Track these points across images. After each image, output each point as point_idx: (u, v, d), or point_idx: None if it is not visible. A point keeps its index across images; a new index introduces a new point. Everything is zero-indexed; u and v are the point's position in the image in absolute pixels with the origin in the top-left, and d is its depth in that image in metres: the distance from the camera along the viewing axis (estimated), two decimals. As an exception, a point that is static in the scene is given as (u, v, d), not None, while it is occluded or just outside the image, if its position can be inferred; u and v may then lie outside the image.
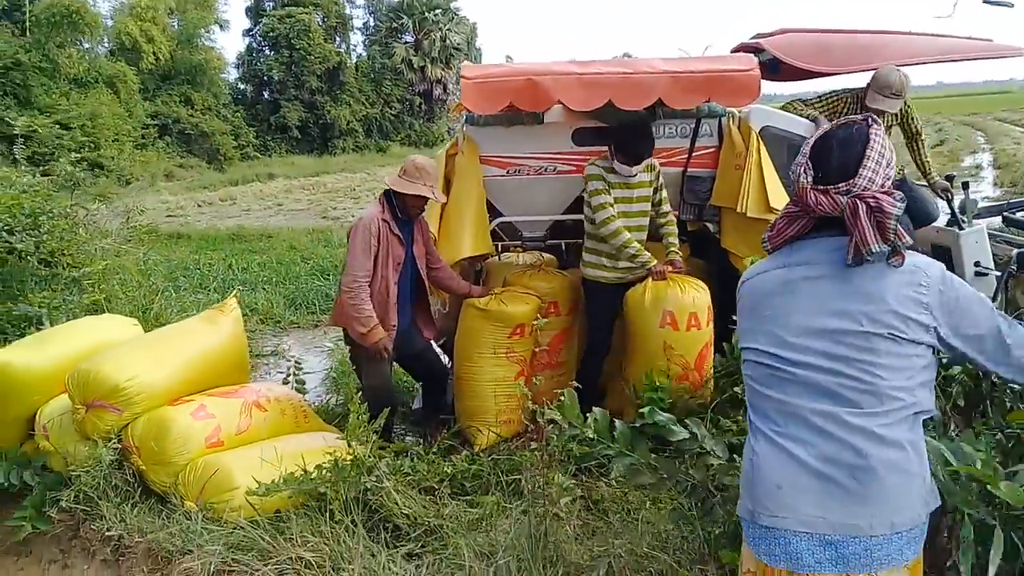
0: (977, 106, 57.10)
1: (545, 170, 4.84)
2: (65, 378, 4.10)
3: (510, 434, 4.65)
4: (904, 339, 1.86)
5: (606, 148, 4.65)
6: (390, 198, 4.46)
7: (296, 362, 5.45)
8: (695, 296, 4.36)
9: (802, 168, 1.99)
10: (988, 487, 2.00)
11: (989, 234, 6.06)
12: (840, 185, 1.91)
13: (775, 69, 5.33)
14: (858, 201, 1.88)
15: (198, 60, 36.43)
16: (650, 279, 4.40)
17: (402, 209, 4.42)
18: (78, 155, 23.46)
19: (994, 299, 4.81)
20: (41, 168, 10.76)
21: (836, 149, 1.96)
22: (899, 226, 1.86)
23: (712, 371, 4.29)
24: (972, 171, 20.17)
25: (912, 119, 5.23)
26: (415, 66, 44.67)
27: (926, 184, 5.63)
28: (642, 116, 4.55)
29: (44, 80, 26.23)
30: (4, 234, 6.15)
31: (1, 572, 3.83)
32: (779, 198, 4.43)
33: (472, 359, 4.60)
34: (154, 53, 33.80)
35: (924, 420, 1.95)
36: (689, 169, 4.83)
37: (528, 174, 4.86)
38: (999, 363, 1.97)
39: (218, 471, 3.82)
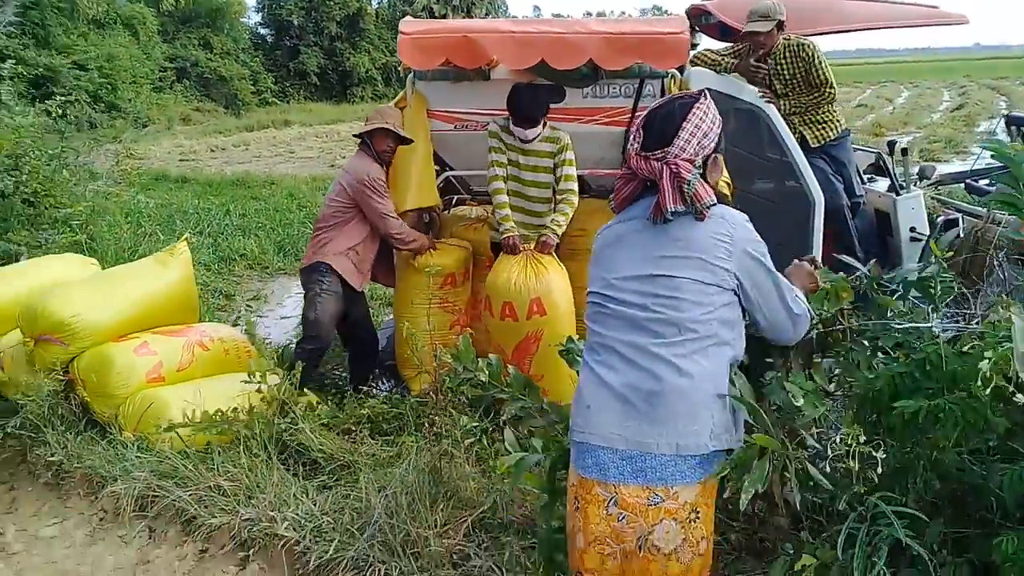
0: (1008, 70, 55.92)
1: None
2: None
3: None
4: (705, 282, 2.11)
5: (553, 105, 4.77)
6: (369, 148, 4.67)
7: (247, 306, 5.66)
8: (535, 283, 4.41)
9: (633, 136, 2.24)
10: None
11: (942, 201, 6.15)
12: (657, 152, 2.17)
13: (725, 31, 5.40)
14: (664, 166, 2.14)
15: (219, 3, 36.35)
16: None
17: (377, 157, 4.63)
18: (94, 96, 23.72)
19: (920, 261, 4.94)
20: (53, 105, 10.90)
21: (659, 120, 2.21)
22: (697, 188, 2.11)
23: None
24: (985, 136, 19.97)
25: (816, 68, 5.06)
26: (436, 14, 44.24)
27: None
28: (537, 80, 4.61)
29: (63, 20, 26.27)
30: (-16, 173, 6.37)
31: (-47, 494, 4.10)
32: (709, 160, 4.53)
33: (408, 309, 4.77)
34: (174, -6, 33.78)
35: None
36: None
37: (475, 129, 4.97)
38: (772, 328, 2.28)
39: (154, 404, 4.05)
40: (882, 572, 2.18)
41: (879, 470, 2.22)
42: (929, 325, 2.47)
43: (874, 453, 2.14)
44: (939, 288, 2.51)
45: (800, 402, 2.23)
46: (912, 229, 5.12)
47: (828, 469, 2.39)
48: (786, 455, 2.16)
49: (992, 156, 2.43)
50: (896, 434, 2.25)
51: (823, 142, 5.10)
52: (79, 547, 3.57)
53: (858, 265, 2.76)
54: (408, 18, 4.72)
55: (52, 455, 4.02)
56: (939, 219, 5.04)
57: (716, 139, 2.24)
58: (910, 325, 2.48)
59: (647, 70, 4.76)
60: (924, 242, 4.99)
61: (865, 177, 5.86)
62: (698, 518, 2.11)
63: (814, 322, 2.47)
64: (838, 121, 5.15)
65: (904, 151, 5.46)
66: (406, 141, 4.67)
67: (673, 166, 2.12)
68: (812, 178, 4.81)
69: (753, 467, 2.10)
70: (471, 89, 4.91)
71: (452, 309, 4.77)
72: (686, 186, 2.11)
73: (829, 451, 2.36)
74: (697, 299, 2.11)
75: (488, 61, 4.52)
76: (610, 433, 2.12)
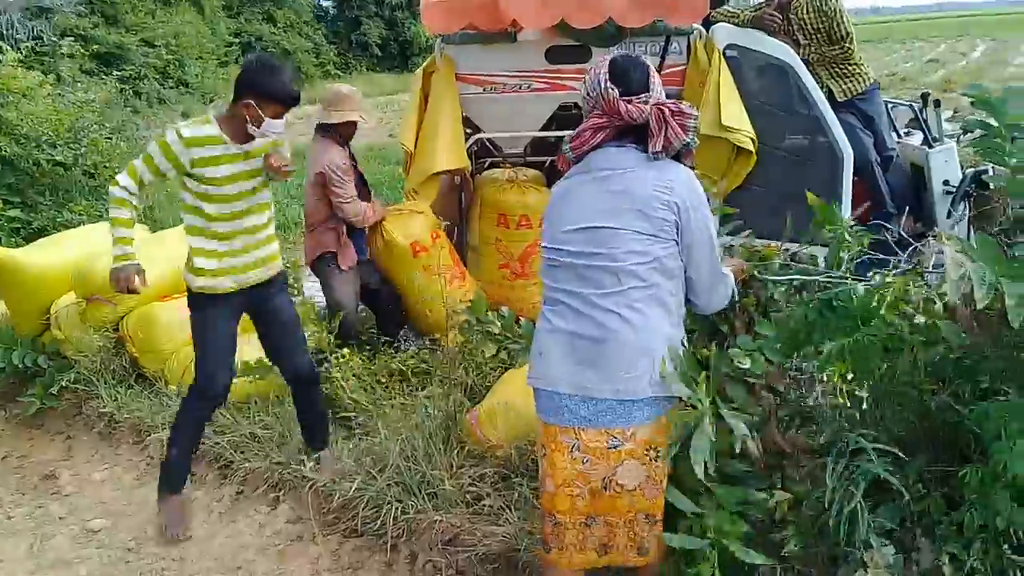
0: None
1: (520, 87, 5.03)
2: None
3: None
4: (643, 232, 2.20)
5: (580, 66, 4.84)
6: (333, 133, 4.61)
7: (289, 268, 5.85)
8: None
9: (606, 85, 2.31)
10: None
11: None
12: (642, 96, 2.28)
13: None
14: (663, 108, 2.26)
15: (282, -24, 36.78)
16: None
17: (343, 139, 4.63)
18: (163, 72, 24.28)
19: (949, 216, 4.89)
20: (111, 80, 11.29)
21: (632, 69, 2.32)
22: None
23: None
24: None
25: (838, 23, 5.03)
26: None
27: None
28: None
29: (130, -1, 26.96)
30: (46, 147, 6.70)
31: (16, 443, 4.42)
32: (732, 116, 4.55)
33: (398, 285, 4.87)
34: (238, -30, 34.26)
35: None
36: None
37: (504, 91, 5.06)
38: (690, 287, 2.36)
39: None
40: (860, 505, 2.28)
41: (861, 407, 2.30)
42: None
43: (857, 392, 2.21)
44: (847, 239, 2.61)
45: (747, 363, 2.32)
46: (945, 182, 5.06)
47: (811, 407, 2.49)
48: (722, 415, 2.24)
49: (972, 103, 2.44)
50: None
51: (851, 95, 5.06)
52: (127, 489, 3.85)
53: (887, 225, 2.83)
54: (430, -18, 4.81)
55: (104, 407, 4.32)
56: (968, 171, 4.97)
57: None
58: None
59: (672, 28, 4.79)
60: (956, 193, 4.94)
61: (902, 131, 5.79)
62: (658, 456, 2.23)
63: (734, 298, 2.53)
64: (866, 74, 5.09)
65: (937, 103, 5.37)
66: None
67: (672, 105, 2.26)
68: (840, 133, 4.77)
69: (694, 439, 2.19)
70: (499, 51, 4.99)
71: (436, 271, 4.68)
72: (690, 121, 2.24)
73: (812, 391, 2.43)
74: (635, 248, 2.20)
75: (510, 23, 4.59)
76: (558, 378, 2.25)
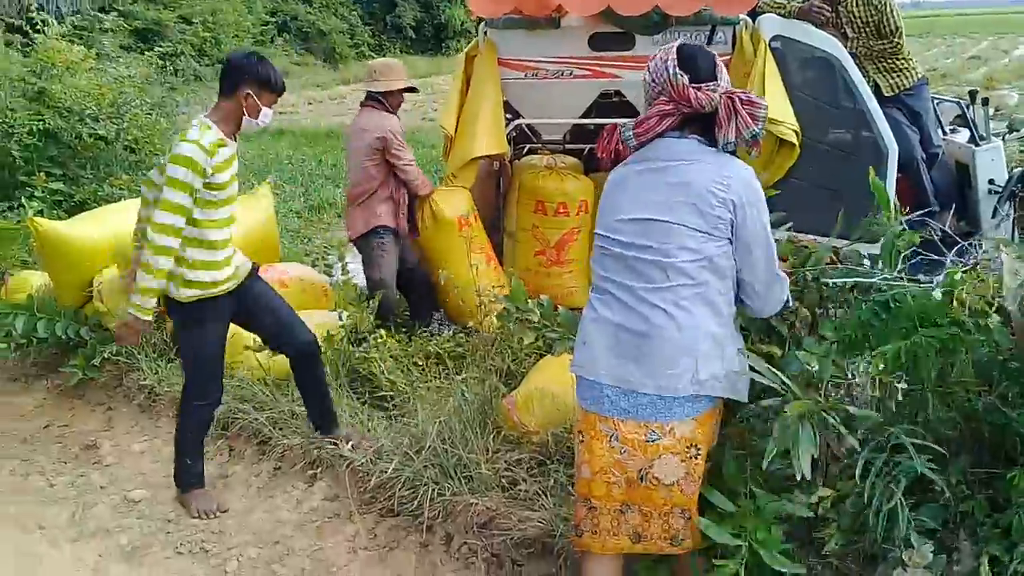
0: None
1: (562, 74, 5.02)
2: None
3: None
4: (698, 229, 2.18)
5: (623, 54, 4.81)
6: (383, 104, 4.76)
7: (325, 249, 5.92)
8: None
9: (675, 71, 2.27)
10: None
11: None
12: (711, 84, 2.25)
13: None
14: (732, 96, 2.24)
15: (318, -43, 36.84)
16: None
17: (391, 109, 4.76)
18: (199, 50, 24.48)
19: (994, 215, 4.82)
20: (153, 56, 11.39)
21: (700, 57, 2.30)
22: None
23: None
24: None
25: (888, 17, 5.00)
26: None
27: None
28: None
29: (168, -26, 27.14)
30: (89, 121, 6.78)
31: (57, 412, 4.51)
32: (776, 108, 4.50)
33: (439, 263, 4.85)
34: (276, -51, 34.35)
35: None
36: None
37: (546, 77, 5.04)
38: (744, 288, 2.32)
39: (236, 335, 4.31)
40: (900, 502, 2.26)
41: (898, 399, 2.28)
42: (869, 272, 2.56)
43: (896, 384, 2.19)
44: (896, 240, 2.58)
45: (816, 366, 2.29)
46: (991, 181, 5.00)
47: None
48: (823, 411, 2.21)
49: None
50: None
51: (898, 91, 5.00)
52: (166, 462, 3.89)
53: (932, 224, 2.80)
54: (475, -33, 4.80)
55: (144, 380, 4.40)
56: (1015, 170, 4.92)
57: None
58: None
59: (718, 17, 4.75)
60: (1003, 192, 4.88)
61: (948, 128, 5.72)
62: (699, 454, 2.23)
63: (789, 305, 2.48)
64: (914, 69, 5.03)
65: (985, 101, 5.30)
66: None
67: (743, 94, 2.24)
68: (886, 127, 4.71)
69: (802, 433, 2.15)
70: (542, 37, 4.97)
71: (477, 248, 4.84)
72: (760, 111, 2.22)
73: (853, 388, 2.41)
74: (688, 245, 2.17)
75: (555, 8, 4.58)
76: (601, 369, 2.24)
